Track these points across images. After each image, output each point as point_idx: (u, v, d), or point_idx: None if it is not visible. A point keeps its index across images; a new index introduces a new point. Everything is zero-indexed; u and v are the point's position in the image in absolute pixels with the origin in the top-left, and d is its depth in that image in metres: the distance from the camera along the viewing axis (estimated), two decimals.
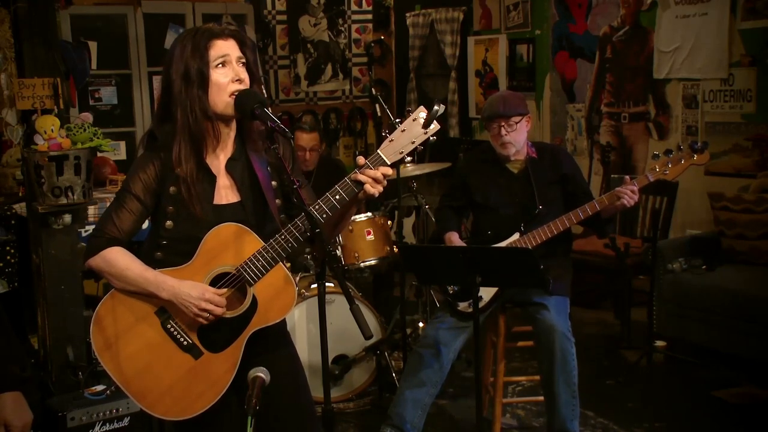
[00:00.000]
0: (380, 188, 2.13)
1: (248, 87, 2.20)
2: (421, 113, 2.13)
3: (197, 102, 2.15)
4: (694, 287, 4.47)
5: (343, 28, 7.87)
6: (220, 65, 2.17)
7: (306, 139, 4.68)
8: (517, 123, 3.51)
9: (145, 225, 2.30)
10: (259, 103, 2.13)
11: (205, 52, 2.15)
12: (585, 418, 3.82)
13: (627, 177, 3.37)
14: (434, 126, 2.12)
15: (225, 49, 2.17)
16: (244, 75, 2.19)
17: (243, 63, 2.21)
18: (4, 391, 2.17)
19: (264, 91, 7.29)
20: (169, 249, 2.20)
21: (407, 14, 7.65)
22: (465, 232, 3.91)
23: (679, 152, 3.32)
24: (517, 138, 3.54)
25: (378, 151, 2.14)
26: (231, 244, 2.17)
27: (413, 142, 2.13)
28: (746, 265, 4.53)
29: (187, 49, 2.16)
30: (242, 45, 2.22)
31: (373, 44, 7.97)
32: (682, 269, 4.56)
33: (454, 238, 3.68)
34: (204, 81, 2.15)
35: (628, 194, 3.29)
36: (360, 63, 7.99)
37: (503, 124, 3.50)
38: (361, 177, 2.12)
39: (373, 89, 4.56)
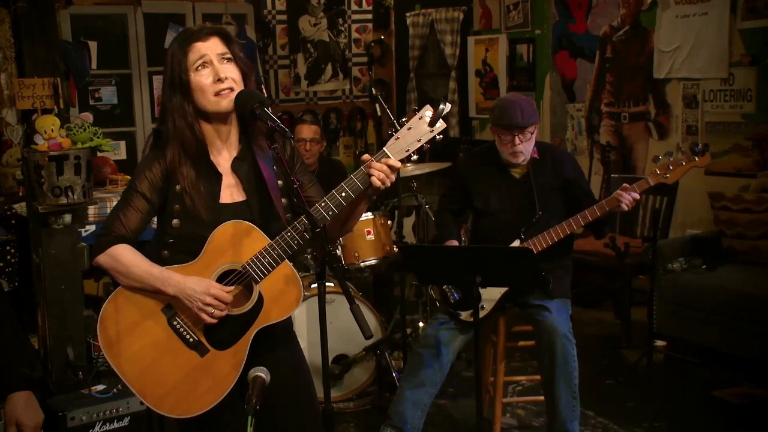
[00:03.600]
0: (388, 182, 2.12)
1: (235, 83, 2.17)
2: (427, 111, 2.11)
3: (181, 111, 2.16)
4: (694, 287, 4.46)
5: (343, 28, 7.86)
6: (200, 67, 2.16)
7: (307, 130, 4.69)
8: (531, 133, 3.48)
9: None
10: (259, 102, 2.12)
11: (183, 58, 2.16)
12: (585, 418, 3.82)
13: (625, 185, 3.33)
14: (440, 124, 2.10)
15: (203, 49, 2.16)
16: (227, 72, 2.17)
17: (228, 59, 2.19)
18: (15, 390, 2.18)
19: (264, 87, 7.27)
20: (176, 247, 2.21)
21: (407, 14, 7.64)
22: (465, 235, 3.89)
23: (679, 154, 3.30)
24: (528, 147, 3.50)
25: (384, 148, 2.13)
26: (237, 242, 2.17)
27: (419, 140, 2.11)
28: (746, 265, 4.52)
29: (171, 57, 2.17)
30: (226, 41, 2.20)
31: (373, 44, 7.96)
32: (682, 269, 4.56)
33: None
34: (185, 88, 2.16)
35: (629, 200, 3.29)
36: (360, 63, 7.99)
37: (518, 134, 3.45)
38: (367, 171, 2.11)
39: (373, 89, 4.56)
